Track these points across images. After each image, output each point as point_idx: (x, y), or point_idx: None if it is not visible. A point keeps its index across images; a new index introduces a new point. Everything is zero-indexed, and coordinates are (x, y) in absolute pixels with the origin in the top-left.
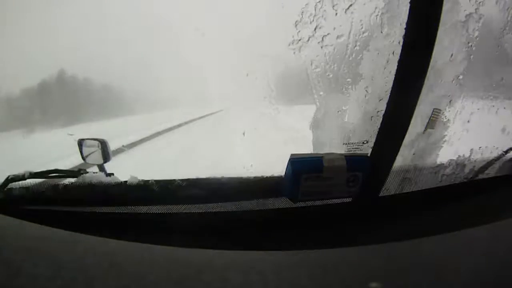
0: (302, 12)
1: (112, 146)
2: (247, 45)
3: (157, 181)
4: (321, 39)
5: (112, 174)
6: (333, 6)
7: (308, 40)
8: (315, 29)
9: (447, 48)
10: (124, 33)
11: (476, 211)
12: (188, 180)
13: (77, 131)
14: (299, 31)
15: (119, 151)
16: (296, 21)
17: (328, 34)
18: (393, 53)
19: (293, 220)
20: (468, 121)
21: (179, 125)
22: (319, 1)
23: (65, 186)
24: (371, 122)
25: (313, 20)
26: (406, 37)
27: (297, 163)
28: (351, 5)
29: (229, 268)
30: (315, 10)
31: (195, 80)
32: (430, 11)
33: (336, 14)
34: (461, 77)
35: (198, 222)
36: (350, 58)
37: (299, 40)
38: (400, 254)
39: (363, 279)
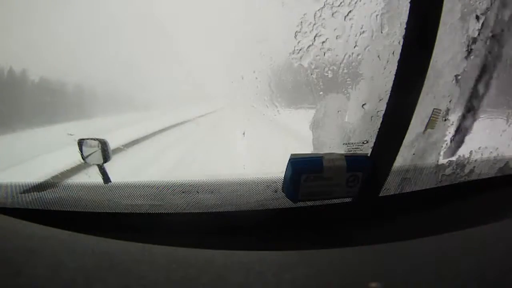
0: (301, 22)
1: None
2: (245, 44)
3: (156, 183)
4: (321, 42)
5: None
6: (332, 14)
7: (308, 49)
8: (314, 37)
9: (447, 48)
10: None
11: (476, 211)
12: (188, 181)
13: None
14: (299, 41)
15: (118, 151)
16: (296, 32)
17: (327, 39)
18: (393, 53)
19: (293, 220)
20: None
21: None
22: (318, 10)
23: (66, 186)
24: (371, 122)
25: (312, 29)
26: (406, 37)
27: (297, 163)
28: (350, 11)
29: (229, 268)
30: (314, 19)
31: (189, 79)
32: (430, 11)
33: (336, 20)
34: (461, 77)
35: (198, 222)
36: (350, 58)
37: (300, 49)
38: (400, 254)
39: (363, 279)
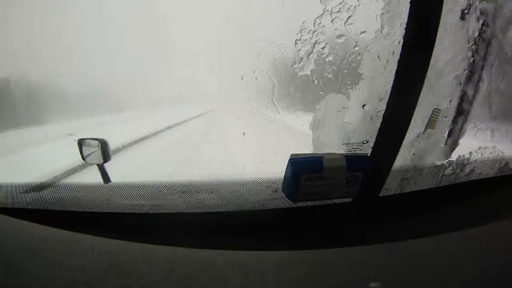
0: (301, 30)
1: None
2: (245, 45)
3: (156, 183)
4: (322, 48)
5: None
6: (332, 20)
7: (309, 56)
8: (314, 44)
9: (447, 48)
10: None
11: (476, 211)
12: (188, 181)
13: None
14: (299, 49)
15: (118, 150)
16: (296, 40)
17: (327, 44)
18: (393, 53)
19: (293, 220)
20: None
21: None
22: (318, 17)
23: (66, 186)
24: (371, 122)
25: (312, 37)
26: (406, 37)
27: (297, 163)
28: (349, 16)
29: (229, 268)
30: (314, 25)
31: (189, 79)
32: (430, 11)
33: (336, 22)
34: (461, 77)
35: (198, 222)
36: (350, 59)
37: (301, 59)
38: (400, 254)
39: (363, 279)
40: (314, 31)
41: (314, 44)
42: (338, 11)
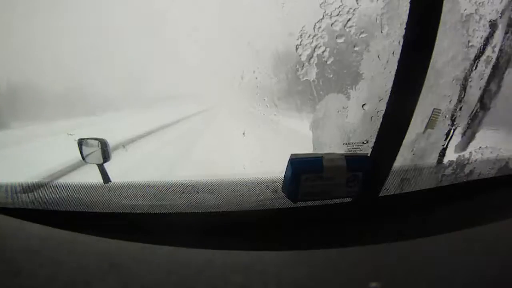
0: (301, 35)
1: None
2: (245, 45)
3: (156, 183)
4: (322, 52)
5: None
6: (332, 24)
7: (310, 60)
8: (314, 48)
9: (447, 48)
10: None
11: (476, 211)
12: (188, 181)
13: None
14: (300, 55)
15: (117, 148)
16: (297, 45)
17: (327, 48)
18: (393, 53)
19: (293, 220)
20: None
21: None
22: (318, 21)
23: (66, 186)
24: (371, 122)
25: (312, 41)
26: (406, 37)
27: (297, 163)
28: (349, 19)
29: (229, 268)
30: (314, 30)
31: (191, 80)
32: (430, 11)
33: (336, 25)
34: (460, 77)
35: (198, 222)
36: (350, 59)
37: (303, 64)
38: (400, 254)
39: (363, 279)
40: (314, 35)
41: (315, 48)
42: (337, 15)
